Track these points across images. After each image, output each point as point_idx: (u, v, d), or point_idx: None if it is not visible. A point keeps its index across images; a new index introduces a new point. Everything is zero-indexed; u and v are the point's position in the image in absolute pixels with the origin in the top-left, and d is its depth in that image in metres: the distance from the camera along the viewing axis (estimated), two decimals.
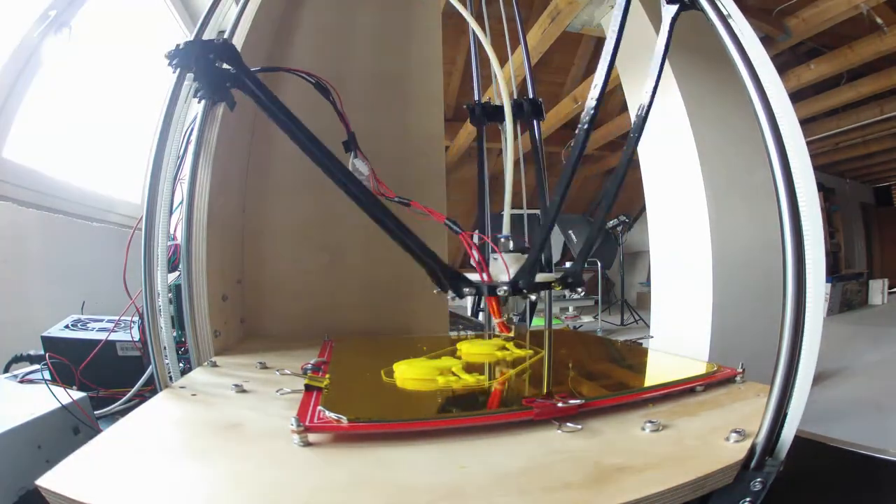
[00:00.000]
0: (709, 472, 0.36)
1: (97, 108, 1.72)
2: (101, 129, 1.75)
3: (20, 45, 1.30)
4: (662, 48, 0.58)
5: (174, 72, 0.61)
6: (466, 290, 0.59)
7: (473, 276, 0.61)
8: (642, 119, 0.62)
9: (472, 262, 0.62)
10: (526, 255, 0.64)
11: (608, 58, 0.57)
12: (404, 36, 1.11)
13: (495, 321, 0.61)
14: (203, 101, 0.68)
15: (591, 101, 0.58)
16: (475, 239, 0.65)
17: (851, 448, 0.61)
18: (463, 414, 0.50)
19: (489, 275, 0.62)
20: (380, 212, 0.56)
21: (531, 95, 0.94)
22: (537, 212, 0.91)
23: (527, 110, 0.92)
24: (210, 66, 0.59)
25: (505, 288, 0.59)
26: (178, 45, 0.59)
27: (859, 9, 2.19)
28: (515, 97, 0.92)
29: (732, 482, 0.38)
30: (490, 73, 1.14)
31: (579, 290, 0.70)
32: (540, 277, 0.64)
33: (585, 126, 0.58)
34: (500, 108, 0.95)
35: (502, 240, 0.70)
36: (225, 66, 0.59)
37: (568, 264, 4.53)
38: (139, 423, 0.47)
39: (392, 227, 0.56)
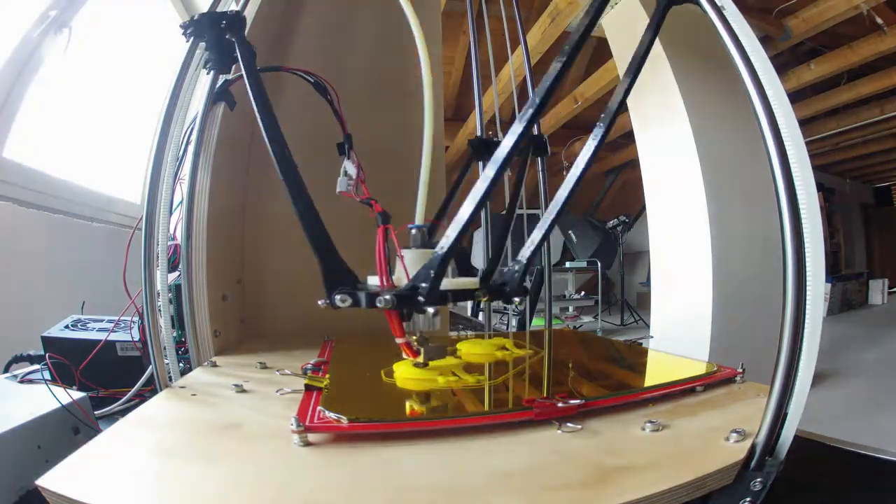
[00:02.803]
0: (709, 472, 0.36)
1: (97, 107, 1.72)
2: (100, 128, 1.75)
3: (20, 45, 1.30)
4: (649, 37, 0.58)
5: (188, 41, 0.64)
6: (339, 297, 0.47)
7: (375, 280, 0.49)
8: (616, 106, 0.59)
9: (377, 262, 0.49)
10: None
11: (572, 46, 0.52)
12: (404, 36, 1.11)
13: (397, 341, 0.49)
14: (211, 73, 0.70)
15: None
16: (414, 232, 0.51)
17: (851, 448, 0.61)
18: (463, 414, 0.50)
19: (388, 279, 0.47)
20: (297, 193, 0.52)
21: (536, 132, 0.91)
22: (537, 211, 0.91)
23: (530, 147, 0.89)
24: (221, 34, 0.61)
25: (387, 296, 0.44)
26: (192, 16, 0.62)
27: (859, 9, 2.19)
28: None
29: (732, 482, 0.38)
30: (490, 73, 1.14)
31: (516, 301, 0.54)
32: (455, 283, 0.50)
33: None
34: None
35: (412, 231, 0.52)
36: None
37: (568, 264, 4.54)
38: (139, 423, 0.47)
39: (303, 210, 0.52)
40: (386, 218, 0.52)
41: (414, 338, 0.51)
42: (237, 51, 0.59)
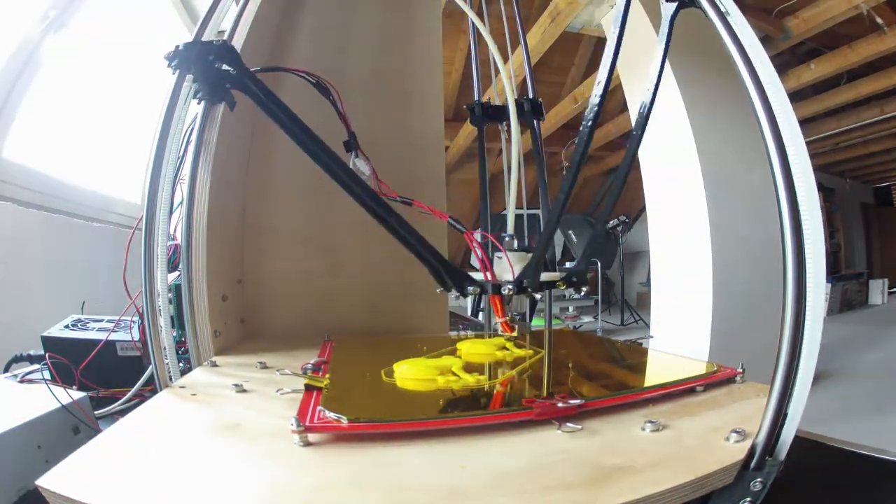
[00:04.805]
0: (709, 472, 0.36)
1: (97, 107, 1.72)
2: (101, 128, 1.75)
3: (20, 45, 1.30)
4: (663, 46, 0.59)
5: (173, 73, 0.61)
6: (471, 288, 0.60)
7: (477, 276, 0.62)
8: (644, 117, 0.62)
9: (476, 261, 0.64)
10: (530, 254, 0.64)
11: (610, 58, 0.57)
12: (404, 36, 1.11)
13: (498, 320, 0.62)
14: (202, 103, 0.68)
15: (594, 99, 0.58)
16: (478, 237, 0.65)
17: (851, 448, 0.61)
18: (463, 414, 0.50)
19: (493, 274, 0.62)
20: (383, 211, 0.56)
21: (531, 95, 0.94)
22: (537, 211, 0.91)
23: (527, 110, 0.92)
24: (209, 67, 0.59)
25: (510, 286, 0.59)
26: (177, 47, 0.59)
27: (859, 9, 2.19)
28: (515, 97, 0.92)
29: (732, 482, 0.38)
30: (490, 73, 1.14)
31: (583, 289, 0.71)
32: (544, 276, 0.64)
33: (590, 123, 0.58)
34: (500, 109, 0.95)
35: (506, 238, 0.70)
36: (225, 67, 0.59)
37: (568, 264, 4.54)
38: (139, 423, 0.47)
39: (395, 226, 0.56)
40: (462, 224, 0.69)
41: (508, 317, 0.65)
42: (232, 82, 0.59)
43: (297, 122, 0.55)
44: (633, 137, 0.65)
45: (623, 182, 0.70)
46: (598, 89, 0.59)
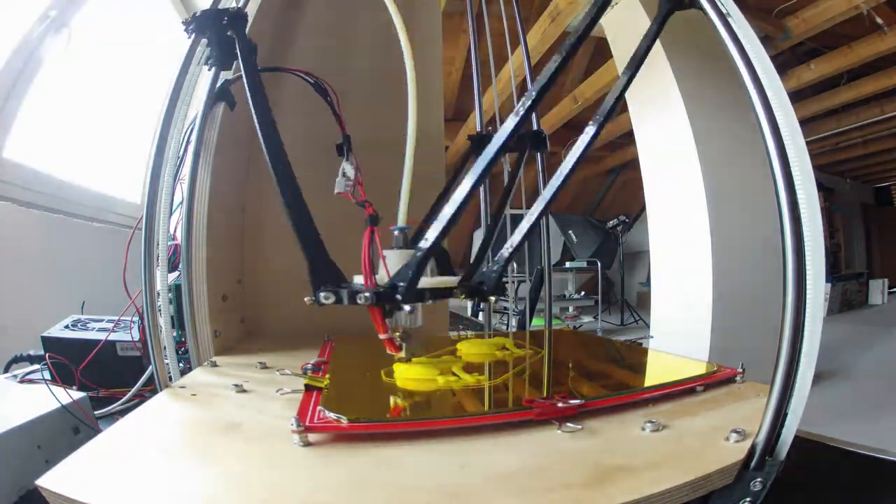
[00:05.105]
0: (709, 472, 0.36)
1: (97, 107, 1.72)
2: (101, 128, 1.75)
3: (20, 45, 1.30)
4: (650, 40, 0.58)
5: (189, 37, 0.64)
6: (323, 294, 0.48)
7: (360, 279, 0.50)
8: (611, 104, 0.60)
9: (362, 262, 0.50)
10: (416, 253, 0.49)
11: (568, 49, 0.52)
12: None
13: (380, 336, 0.50)
14: (212, 70, 0.70)
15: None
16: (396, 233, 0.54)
17: (851, 448, 0.61)
18: (463, 414, 0.50)
19: (371, 278, 0.49)
20: (289, 192, 0.53)
21: (535, 127, 0.90)
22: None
23: (529, 142, 0.88)
24: (223, 31, 0.61)
25: (367, 294, 0.46)
26: (194, 13, 0.62)
27: (859, 9, 2.19)
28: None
29: (732, 482, 0.38)
30: (490, 73, 1.14)
31: (494, 299, 0.56)
32: (433, 282, 0.52)
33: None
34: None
35: (395, 233, 0.55)
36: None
37: (568, 264, 4.54)
38: (139, 423, 0.47)
39: (293, 208, 0.53)
40: (374, 220, 0.54)
41: (397, 334, 0.53)
42: (237, 47, 0.59)
43: (264, 102, 0.55)
44: (595, 119, 0.60)
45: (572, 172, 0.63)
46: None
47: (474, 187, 0.48)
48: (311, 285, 0.50)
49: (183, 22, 0.63)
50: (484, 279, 0.56)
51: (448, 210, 0.47)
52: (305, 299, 0.50)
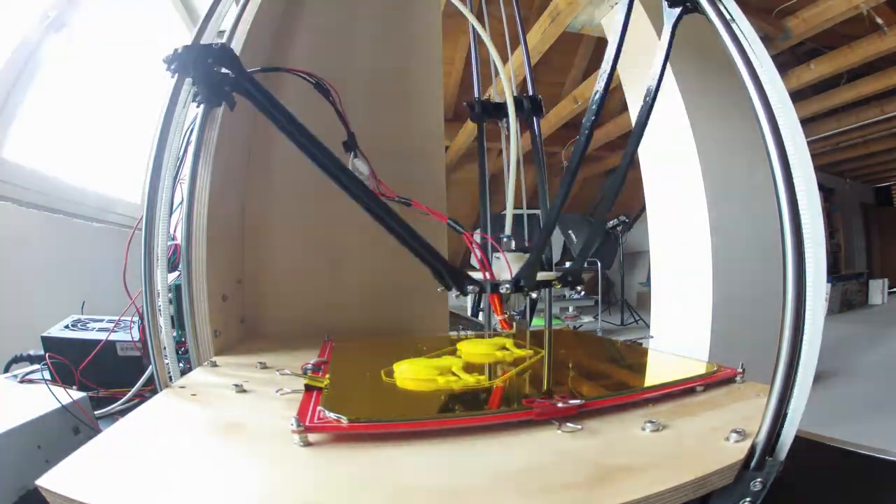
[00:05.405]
0: (709, 472, 0.36)
1: (97, 107, 1.72)
2: (101, 128, 1.75)
3: (20, 44, 1.30)
4: (664, 52, 0.59)
5: (172, 77, 0.61)
6: (470, 287, 0.62)
7: (476, 275, 0.64)
8: (643, 120, 0.62)
9: (475, 261, 0.65)
10: (527, 255, 0.65)
11: (611, 60, 0.57)
12: (404, 36, 1.11)
13: (497, 318, 0.65)
14: (202, 106, 0.68)
15: (592, 106, 0.58)
16: (477, 238, 0.66)
17: (851, 448, 0.61)
18: (463, 414, 0.50)
19: (492, 273, 0.64)
20: (383, 212, 0.57)
21: (531, 93, 0.94)
22: (537, 211, 0.91)
23: (527, 107, 0.92)
24: (208, 70, 0.58)
25: (507, 285, 0.62)
26: (175, 50, 0.59)
27: (859, 9, 2.19)
28: (515, 95, 0.91)
29: (732, 482, 0.38)
30: (490, 72, 1.14)
31: (579, 288, 0.73)
32: (541, 276, 0.66)
33: (587, 130, 0.59)
34: (500, 105, 0.95)
35: (504, 239, 0.73)
36: (224, 70, 0.59)
37: (568, 264, 4.54)
38: (139, 423, 0.47)
39: (395, 226, 0.57)
40: (460, 225, 0.70)
41: (506, 315, 0.68)
42: (231, 85, 0.58)
43: (295, 123, 0.56)
44: (631, 137, 0.65)
45: (622, 182, 0.71)
46: (596, 93, 0.59)
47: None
48: (442, 285, 0.63)
49: (164, 60, 0.59)
50: (570, 272, 0.72)
51: (546, 222, 0.70)
52: (452, 293, 0.66)
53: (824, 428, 0.63)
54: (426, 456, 0.40)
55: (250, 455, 0.40)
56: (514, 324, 0.70)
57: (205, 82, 0.60)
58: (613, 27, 0.58)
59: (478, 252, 0.65)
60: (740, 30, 0.46)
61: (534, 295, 0.70)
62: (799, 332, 0.40)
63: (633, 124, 0.65)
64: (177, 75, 0.60)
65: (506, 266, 0.65)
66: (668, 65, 0.60)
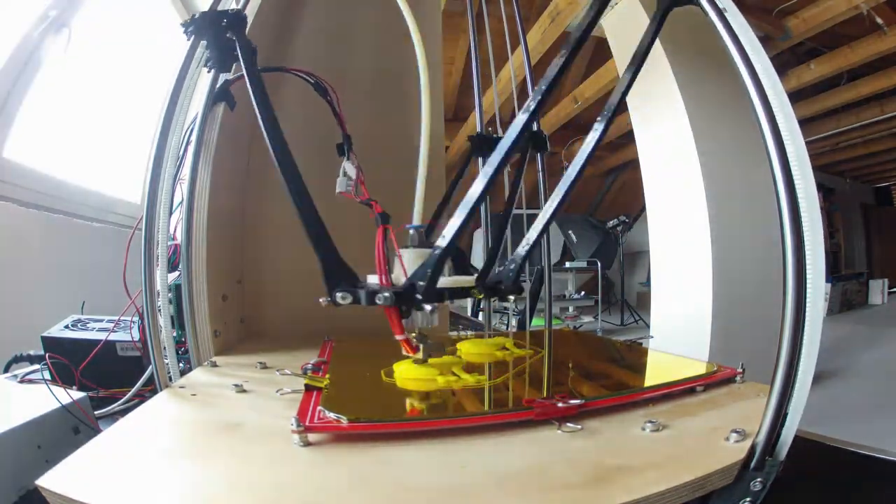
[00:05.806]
0: (709, 472, 0.36)
1: (97, 108, 1.72)
2: (101, 128, 1.75)
3: (20, 45, 1.30)
4: (649, 39, 0.58)
5: (188, 39, 0.64)
6: (339, 295, 0.47)
7: (373, 279, 0.50)
8: (615, 104, 0.60)
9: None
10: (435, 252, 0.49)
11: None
12: (404, 36, 1.11)
13: (397, 337, 0.50)
14: (212, 71, 0.70)
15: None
16: (412, 233, 0.53)
17: (851, 448, 0.61)
18: (463, 414, 0.50)
19: (387, 278, 0.48)
20: (298, 192, 0.52)
21: (535, 128, 0.90)
22: (538, 211, 0.90)
23: (529, 144, 0.88)
24: (221, 33, 0.61)
25: (385, 295, 0.45)
26: (193, 15, 0.62)
27: (859, 9, 2.19)
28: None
29: (732, 482, 0.38)
30: (490, 73, 1.14)
31: (511, 298, 0.57)
32: (451, 282, 0.51)
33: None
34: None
35: (410, 232, 0.53)
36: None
37: (568, 264, 4.54)
38: (139, 423, 0.47)
39: (304, 210, 0.52)
40: (385, 218, 0.54)
41: (413, 335, 0.52)
42: (238, 49, 0.59)
43: (266, 103, 0.55)
44: (606, 108, 0.59)
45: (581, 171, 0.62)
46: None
47: (489, 184, 0.48)
48: (325, 286, 0.49)
49: (182, 24, 0.63)
50: (501, 278, 0.56)
51: (463, 208, 0.47)
52: (321, 300, 0.49)
53: (825, 428, 0.63)
54: (426, 456, 0.40)
55: (250, 455, 0.40)
56: (423, 347, 0.52)
57: (217, 45, 0.62)
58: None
59: (378, 248, 0.49)
60: (733, 21, 0.46)
61: (428, 308, 0.47)
62: (799, 332, 0.40)
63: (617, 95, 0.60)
64: (192, 38, 0.63)
65: (408, 266, 0.48)
66: (668, 65, 0.60)
